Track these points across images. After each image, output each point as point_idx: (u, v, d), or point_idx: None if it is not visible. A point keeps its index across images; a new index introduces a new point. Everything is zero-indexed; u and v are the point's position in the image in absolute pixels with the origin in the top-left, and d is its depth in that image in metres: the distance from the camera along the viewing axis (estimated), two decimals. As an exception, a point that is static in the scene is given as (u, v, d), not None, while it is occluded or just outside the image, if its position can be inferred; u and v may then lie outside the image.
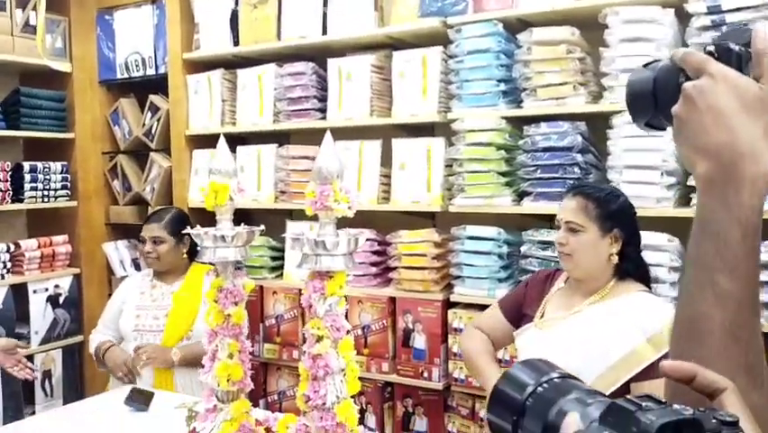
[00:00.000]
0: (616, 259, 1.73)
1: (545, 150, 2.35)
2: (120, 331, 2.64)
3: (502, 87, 2.46)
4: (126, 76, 3.49)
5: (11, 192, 3.22)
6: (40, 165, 3.35)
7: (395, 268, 2.70)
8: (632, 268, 1.76)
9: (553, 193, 2.35)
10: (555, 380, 0.59)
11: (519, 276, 2.51)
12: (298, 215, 3.07)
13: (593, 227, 1.72)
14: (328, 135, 1.64)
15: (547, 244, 2.37)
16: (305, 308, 1.61)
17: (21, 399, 3.28)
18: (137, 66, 3.45)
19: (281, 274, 3.07)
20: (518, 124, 2.50)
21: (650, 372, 1.60)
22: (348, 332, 1.60)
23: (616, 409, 0.50)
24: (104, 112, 3.61)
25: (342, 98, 2.83)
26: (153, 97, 3.44)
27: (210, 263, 1.73)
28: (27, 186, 3.29)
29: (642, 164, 2.18)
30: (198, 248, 1.75)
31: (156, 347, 2.48)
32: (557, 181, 2.33)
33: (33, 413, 3.35)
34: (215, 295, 1.73)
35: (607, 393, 1.58)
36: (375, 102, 2.77)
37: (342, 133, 2.93)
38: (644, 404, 0.49)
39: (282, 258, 3.10)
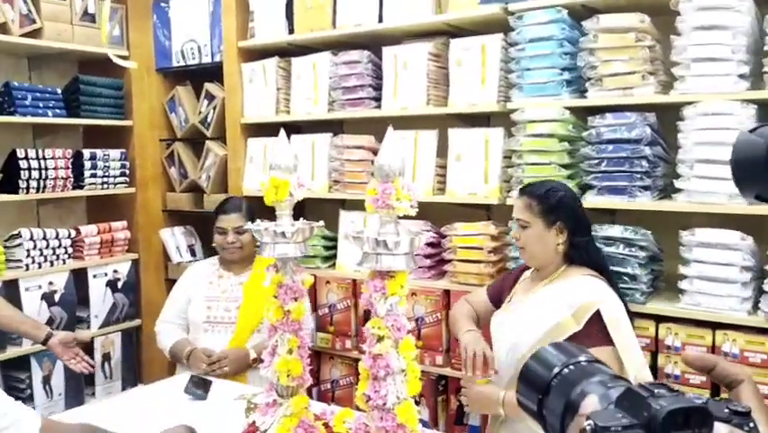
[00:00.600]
0: (562, 248, 1.92)
1: (611, 142, 2.26)
2: (188, 321, 2.62)
3: (566, 76, 2.38)
4: (182, 64, 3.51)
5: (72, 179, 3.29)
6: (99, 152, 3.40)
7: (449, 260, 2.66)
8: (581, 254, 1.94)
9: (618, 187, 2.26)
10: (582, 363, 0.62)
11: (580, 272, 2.44)
12: (351, 204, 3.06)
13: (538, 222, 1.91)
14: (390, 131, 1.60)
15: (612, 240, 2.29)
16: (365, 307, 1.59)
17: (81, 381, 3.37)
18: (193, 54, 3.47)
19: (334, 264, 3.06)
20: (582, 114, 2.41)
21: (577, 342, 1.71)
22: (409, 332, 1.58)
23: (631, 394, 0.53)
24: (160, 99, 3.65)
25: (398, 87, 2.78)
26: (209, 85, 3.45)
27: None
28: (87, 173, 3.35)
29: (714, 158, 2.07)
30: (258, 243, 1.75)
31: (233, 358, 2.42)
32: (623, 175, 2.24)
33: (93, 394, 3.45)
34: (275, 291, 1.73)
35: None
36: (431, 91, 2.72)
37: (397, 123, 2.86)
38: (656, 391, 0.51)
39: (335, 248, 3.09)
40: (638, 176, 2.23)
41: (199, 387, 2.21)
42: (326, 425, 1.86)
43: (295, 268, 1.74)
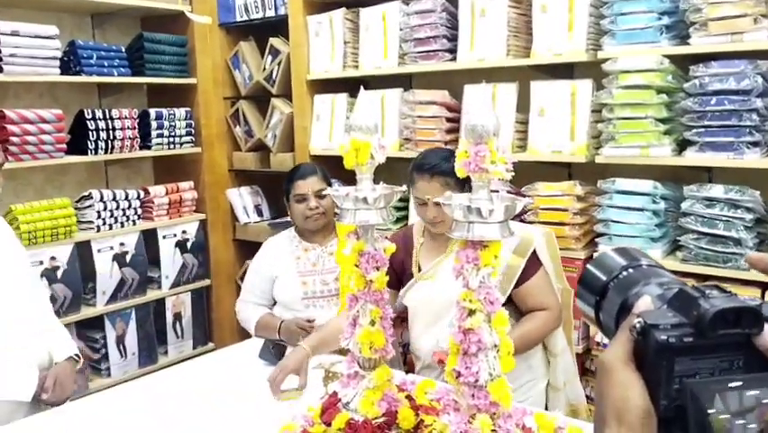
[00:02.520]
0: None
1: (716, 93, 2.05)
2: (280, 301, 2.42)
3: (665, 20, 2.16)
4: (246, 18, 3.40)
5: (138, 139, 3.25)
6: (165, 112, 3.35)
7: (531, 222, 2.51)
8: None
9: (723, 143, 2.06)
10: (643, 266, 0.62)
11: (676, 235, 2.26)
12: (423, 163, 2.92)
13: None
14: (484, 87, 1.45)
15: (712, 201, 2.10)
16: (455, 276, 1.47)
17: (154, 340, 3.41)
18: (256, 7, 3.35)
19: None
20: (683, 63, 2.19)
21: (523, 278, 1.89)
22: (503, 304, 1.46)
23: (683, 295, 0.53)
24: (224, 56, 3.56)
25: (475, 37, 2.60)
26: (273, 40, 3.34)
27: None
28: (154, 133, 3.31)
29: (839, 110, 1.85)
30: (337, 210, 1.64)
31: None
32: (730, 130, 2.04)
33: (166, 353, 3.48)
34: (357, 259, 1.63)
35: None
36: (511, 41, 2.53)
37: (473, 76, 2.73)
38: (707, 292, 0.52)
39: (407, 208, 2.97)
40: (747, 131, 2.02)
41: (274, 352, 2.16)
42: (409, 397, 1.77)
43: (377, 235, 1.64)
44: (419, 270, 2.02)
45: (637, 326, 0.52)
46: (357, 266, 1.64)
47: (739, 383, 0.50)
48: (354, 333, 1.67)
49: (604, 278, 0.63)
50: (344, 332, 1.68)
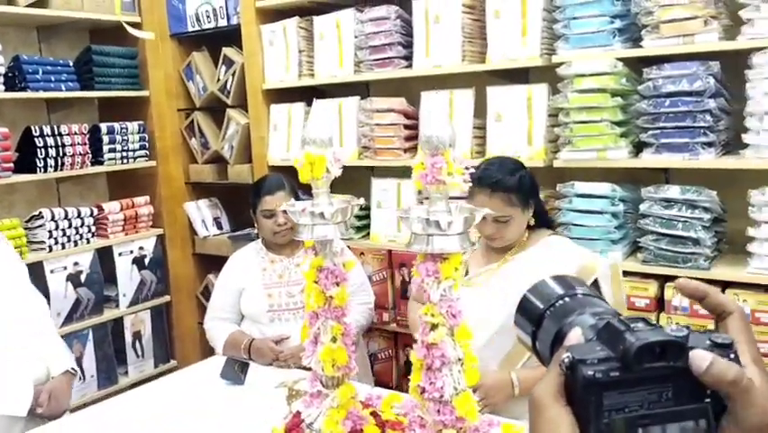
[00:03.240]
0: (533, 221, 1.90)
1: (670, 95, 2.06)
2: (246, 314, 2.37)
3: (617, 23, 2.17)
4: (197, 28, 3.33)
5: (90, 155, 3.16)
6: (117, 126, 3.26)
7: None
8: (542, 218, 1.94)
9: (678, 144, 2.07)
10: (579, 295, 0.61)
11: (636, 237, 2.28)
12: (381, 171, 2.90)
13: (518, 210, 1.84)
14: (437, 97, 1.43)
15: (670, 202, 2.12)
16: (416, 292, 1.45)
17: (113, 361, 3.31)
18: (208, 17, 3.28)
19: (368, 234, 2.92)
20: (636, 66, 2.20)
21: None
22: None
23: (610, 329, 0.53)
24: (177, 67, 3.48)
25: (430, 44, 2.58)
26: (227, 50, 3.27)
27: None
28: (106, 147, 3.22)
29: (789, 109, 1.88)
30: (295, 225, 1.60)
31: (295, 353, 2.17)
32: (685, 131, 2.05)
33: (126, 373, 3.39)
34: (315, 275, 1.60)
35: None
36: (467, 46, 2.51)
37: (429, 83, 2.70)
38: (633, 325, 0.51)
39: (368, 217, 2.94)
40: (701, 131, 2.04)
41: (236, 370, 2.10)
42: (375, 413, 1.74)
43: (335, 250, 1.60)
44: (467, 274, 1.91)
45: (566, 360, 0.52)
46: (316, 282, 1.60)
47: (662, 414, 0.50)
48: (316, 351, 1.63)
49: (541, 306, 0.62)
50: (306, 350, 1.65)
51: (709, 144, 2.05)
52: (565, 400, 0.53)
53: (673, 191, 2.11)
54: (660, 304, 2.21)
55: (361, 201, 1.61)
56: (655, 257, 2.16)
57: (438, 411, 1.44)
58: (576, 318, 0.58)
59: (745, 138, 1.99)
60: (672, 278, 2.16)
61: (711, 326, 0.58)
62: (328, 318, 1.60)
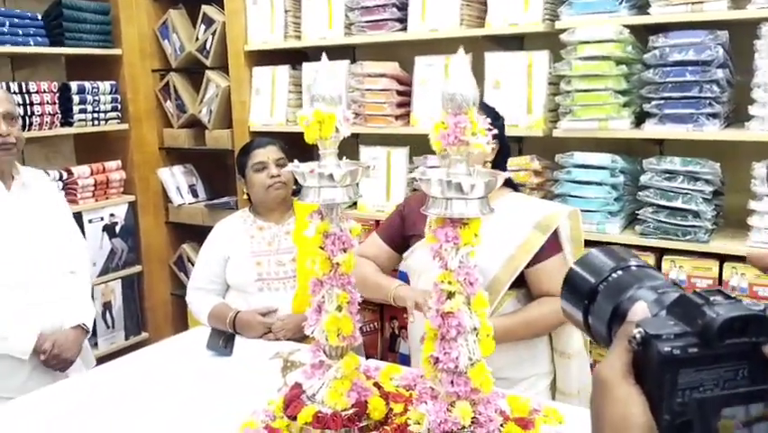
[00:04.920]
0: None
1: (676, 64, 2.02)
2: (232, 284, 2.25)
3: (624, -11, 2.11)
4: (175, -17, 3.17)
5: (59, 115, 2.99)
6: (88, 85, 3.09)
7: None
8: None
9: (682, 115, 2.04)
10: (632, 267, 0.59)
11: (633, 209, 2.25)
12: (368, 138, 2.80)
13: None
14: (461, 53, 1.35)
15: (671, 174, 2.09)
16: (432, 257, 1.38)
17: (83, 332, 3.17)
18: (187, -28, 3.12)
19: (355, 204, 2.83)
20: (642, 34, 2.15)
21: (539, 256, 1.75)
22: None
23: (684, 302, 0.51)
24: (151, 25, 3.31)
25: (426, 6, 2.49)
26: (206, 8, 3.12)
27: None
28: (76, 108, 3.05)
29: (797, 81, 1.86)
30: (299, 187, 1.52)
31: (290, 321, 2.10)
32: (690, 102, 2.02)
33: (96, 345, 3.25)
34: (321, 241, 1.51)
35: (510, 281, 1.74)
36: (465, 10, 2.43)
37: (424, 47, 2.62)
38: (712, 298, 0.49)
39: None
40: (707, 102, 2.00)
41: (223, 341, 2.01)
42: (377, 385, 1.67)
43: (342, 215, 1.52)
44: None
45: (637, 336, 0.49)
46: (322, 248, 1.52)
47: (746, 393, 0.48)
48: (320, 319, 1.55)
49: (592, 280, 0.60)
50: (308, 319, 1.57)
51: (714, 116, 2.02)
52: (634, 378, 0.51)
53: (675, 163, 2.08)
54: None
55: (372, 165, 1.53)
56: (654, 229, 2.14)
57: (452, 382, 1.38)
58: (636, 293, 0.56)
59: (752, 110, 1.97)
60: (670, 251, 2.14)
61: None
62: (334, 286, 1.52)
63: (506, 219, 1.75)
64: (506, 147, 1.89)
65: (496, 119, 1.79)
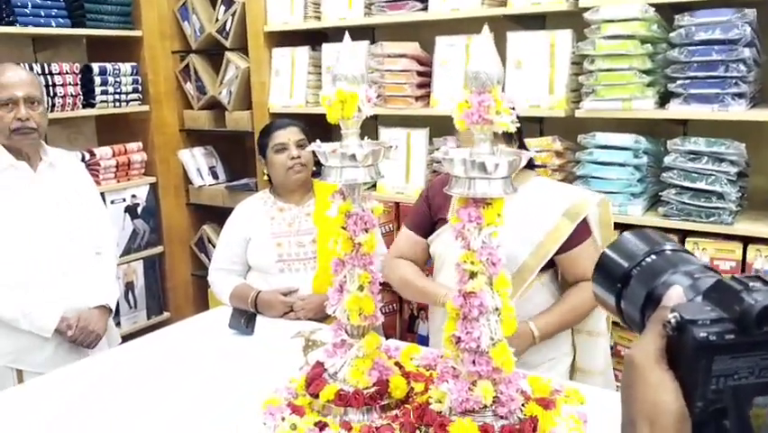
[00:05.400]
0: None
1: (702, 43, 1.99)
2: (253, 265, 2.26)
3: (649, -33, 2.08)
4: (195, -35, 3.16)
5: (81, 96, 3.01)
6: (109, 66, 3.10)
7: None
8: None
9: (708, 95, 2.01)
10: (667, 252, 0.58)
11: (656, 190, 2.23)
12: (387, 120, 2.79)
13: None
14: (486, 31, 1.34)
15: (696, 155, 2.06)
16: (455, 237, 1.38)
17: (106, 311, 3.22)
18: (206, -47, 3.11)
19: (374, 185, 2.83)
20: (667, 12, 2.12)
21: (570, 243, 1.74)
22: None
23: (722, 287, 0.49)
24: (171, 7, 3.31)
25: (447, -14, 2.47)
26: (226, -11, 3.12)
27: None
28: (98, 89, 3.07)
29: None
30: (321, 167, 1.52)
31: (312, 301, 2.12)
32: (716, 82, 1.99)
33: (118, 324, 3.29)
34: (343, 221, 1.52)
35: (539, 267, 1.74)
36: (486, -11, 2.41)
37: (445, 28, 2.60)
38: (751, 284, 0.47)
39: (374, 167, 2.85)
40: (733, 81, 1.97)
41: (244, 321, 2.03)
42: (398, 364, 1.68)
43: (363, 195, 1.53)
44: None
45: (672, 321, 0.48)
46: (344, 228, 1.53)
47: None
48: (342, 299, 1.56)
49: (626, 264, 0.59)
50: (330, 298, 1.58)
51: (740, 96, 1.99)
52: (667, 363, 0.50)
53: (700, 144, 2.05)
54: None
55: (395, 145, 1.53)
56: (677, 211, 2.12)
57: (474, 362, 1.38)
58: (670, 278, 0.55)
59: (780, 90, 1.94)
60: (693, 233, 2.12)
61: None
62: (356, 266, 1.53)
63: (533, 205, 1.75)
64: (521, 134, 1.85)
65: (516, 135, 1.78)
